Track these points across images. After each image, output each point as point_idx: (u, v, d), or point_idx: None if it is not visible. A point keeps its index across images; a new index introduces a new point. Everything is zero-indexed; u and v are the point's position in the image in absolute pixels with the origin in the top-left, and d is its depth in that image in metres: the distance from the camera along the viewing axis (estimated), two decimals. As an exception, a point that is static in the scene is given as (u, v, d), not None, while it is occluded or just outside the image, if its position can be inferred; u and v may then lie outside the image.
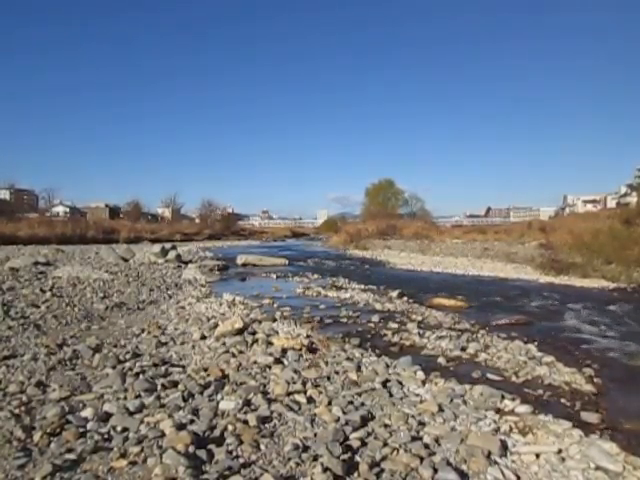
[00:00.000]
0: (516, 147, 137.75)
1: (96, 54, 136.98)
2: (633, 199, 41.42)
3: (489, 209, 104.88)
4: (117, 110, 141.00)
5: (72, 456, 2.41)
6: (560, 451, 2.74)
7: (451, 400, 3.51)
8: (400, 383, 3.88)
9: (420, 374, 4.16)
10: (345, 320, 6.98)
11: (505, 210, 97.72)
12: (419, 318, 7.06)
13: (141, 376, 3.72)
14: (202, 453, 2.47)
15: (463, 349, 5.24)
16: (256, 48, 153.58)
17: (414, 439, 2.79)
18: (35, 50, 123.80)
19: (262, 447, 2.61)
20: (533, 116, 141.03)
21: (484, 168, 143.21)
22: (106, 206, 67.43)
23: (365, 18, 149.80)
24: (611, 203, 56.84)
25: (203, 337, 5.23)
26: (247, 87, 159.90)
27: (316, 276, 13.40)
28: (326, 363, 4.38)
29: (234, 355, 4.49)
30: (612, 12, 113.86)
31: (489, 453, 2.64)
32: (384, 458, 2.56)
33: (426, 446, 2.71)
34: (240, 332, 5.24)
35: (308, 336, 5.32)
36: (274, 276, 13.58)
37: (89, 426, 2.78)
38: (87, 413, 2.95)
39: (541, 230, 28.08)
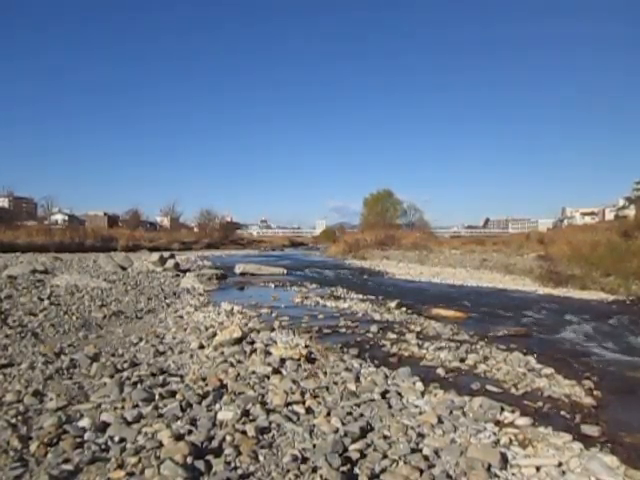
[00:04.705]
0: (515, 159, 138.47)
1: (95, 57, 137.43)
2: (631, 212, 41.65)
3: (487, 220, 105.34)
4: (116, 117, 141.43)
5: (69, 467, 2.38)
6: (560, 464, 2.72)
7: (450, 412, 3.49)
8: (399, 394, 3.86)
9: (419, 385, 4.14)
10: (344, 330, 6.96)
11: (503, 221, 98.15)
12: (418, 329, 7.04)
13: (139, 385, 3.70)
14: (200, 464, 2.45)
15: (462, 360, 5.22)
16: (254, 54, 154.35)
17: (413, 451, 2.78)
18: (33, 52, 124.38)
19: (261, 458, 2.59)
20: (532, 128, 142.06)
21: (483, 179, 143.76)
22: (105, 214, 67.46)
23: (365, 24, 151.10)
24: (609, 215, 57.03)
25: (201, 346, 5.21)
26: (247, 94, 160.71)
27: (314, 285, 13.39)
28: (325, 373, 4.36)
29: (232, 365, 4.47)
30: (612, 23, 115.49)
31: (489, 466, 2.62)
32: (383, 470, 2.54)
33: (426, 458, 2.69)
34: (238, 341, 5.23)
35: (307, 346, 5.31)
36: (272, 285, 13.57)
37: (86, 436, 2.75)
38: (84, 423, 2.92)
39: (539, 242, 28.09)
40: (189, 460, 2.46)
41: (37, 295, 8.69)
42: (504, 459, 2.74)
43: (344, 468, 2.50)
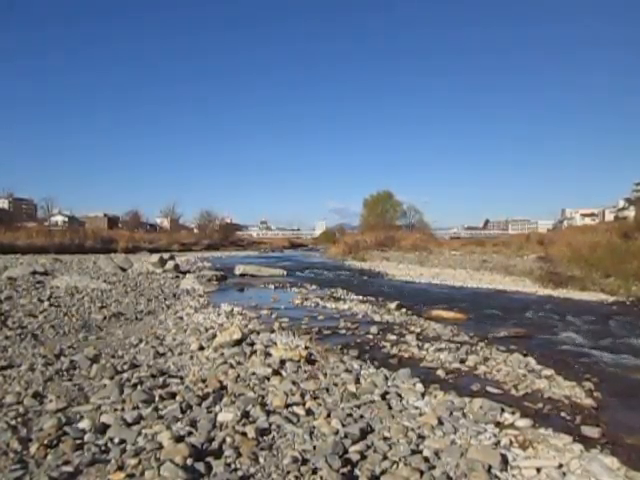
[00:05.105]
0: (515, 160, 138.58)
1: (94, 57, 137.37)
2: (631, 213, 41.71)
3: (487, 221, 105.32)
4: (116, 118, 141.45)
5: (69, 468, 2.38)
6: (561, 466, 2.72)
7: (451, 413, 3.49)
8: (399, 395, 3.86)
9: (419, 386, 4.14)
10: (344, 331, 6.96)
11: (503, 223, 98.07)
12: (418, 330, 7.04)
13: (139, 387, 3.70)
14: (200, 466, 2.45)
15: (462, 361, 5.22)
16: (254, 55, 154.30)
17: (414, 452, 2.77)
18: (33, 53, 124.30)
19: (261, 460, 2.59)
20: (532, 129, 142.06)
21: (482, 181, 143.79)
22: (105, 216, 67.42)
23: (364, 26, 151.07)
24: (609, 217, 57.05)
25: (201, 348, 5.21)
26: (246, 95, 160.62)
27: (314, 287, 13.38)
28: (325, 375, 4.36)
29: (232, 366, 4.47)
30: (611, 25, 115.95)
31: (490, 467, 2.62)
32: (384, 472, 2.54)
33: (426, 460, 2.69)
34: (238, 343, 5.22)
35: (307, 347, 5.30)
36: (272, 286, 13.57)
37: (86, 438, 2.75)
38: (84, 424, 2.92)
39: (539, 243, 28.14)
40: (189, 462, 2.46)
41: (37, 296, 8.69)
42: (504, 460, 2.73)
43: (344, 470, 2.50)
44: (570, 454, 2.87)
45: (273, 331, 6.39)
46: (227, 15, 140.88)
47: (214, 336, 5.63)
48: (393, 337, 6.44)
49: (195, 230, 65.54)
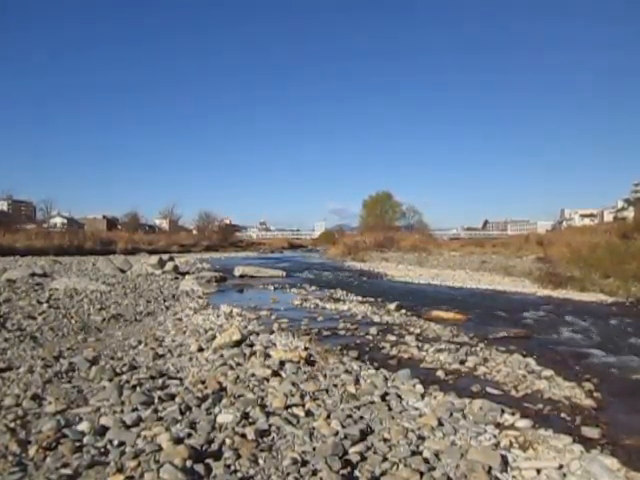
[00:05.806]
0: (514, 161, 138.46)
1: (94, 58, 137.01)
2: (630, 213, 41.80)
3: (486, 222, 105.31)
4: (115, 120, 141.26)
5: (68, 471, 2.37)
6: (561, 467, 2.72)
7: (450, 414, 3.48)
8: (399, 396, 3.86)
9: (419, 387, 4.14)
10: (343, 332, 6.95)
11: (502, 223, 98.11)
12: (417, 331, 7.04)
13: (138, 389, 3.69)
14: (200, 467, 2.44)
15: (462, 362, 5.22)
16: (254, 55, 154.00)
17: (414, 453, 2.77)
18: (32, 54, 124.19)
19: (260, 461, 2.58)
20: (531, 130, 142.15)
21: (482, 181, 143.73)
22: (104, 217, 67.52)
23: (364, 25, 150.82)
24: (608, 217, 57.12)
25: (200, 349, 5.20)
26: (246, 95, 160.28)
27: (314, 288, 13.37)
28: (324, 376, 4.35)
29: (232, 367, 4.46)
30: (611, 26, 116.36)
31: (490, 468, 2.62)
32: (384, 473, 2.54)
33: (426, 461, 2.68)
34: (238, 344, 5.22)
35: (306, 348, 5.30)
36: (272, 288, 13.55)
37: (85, 440, 2.74)
38: (83, 427, 2.91)
39: (539, 243, 28.12)
40: (188, 463, 2.45)
41: (36, 298, 8.67)
42: (504, 461, 2.73)
43: (344, 471, 2.49)
44: (570, 455, 2.87)
45: (272, 332, 6.38)
46: (227, 15, 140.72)
47: (213, 337, 5.62)
48: (393, 338, 6.44)
49: (194, 231, 65.60)
